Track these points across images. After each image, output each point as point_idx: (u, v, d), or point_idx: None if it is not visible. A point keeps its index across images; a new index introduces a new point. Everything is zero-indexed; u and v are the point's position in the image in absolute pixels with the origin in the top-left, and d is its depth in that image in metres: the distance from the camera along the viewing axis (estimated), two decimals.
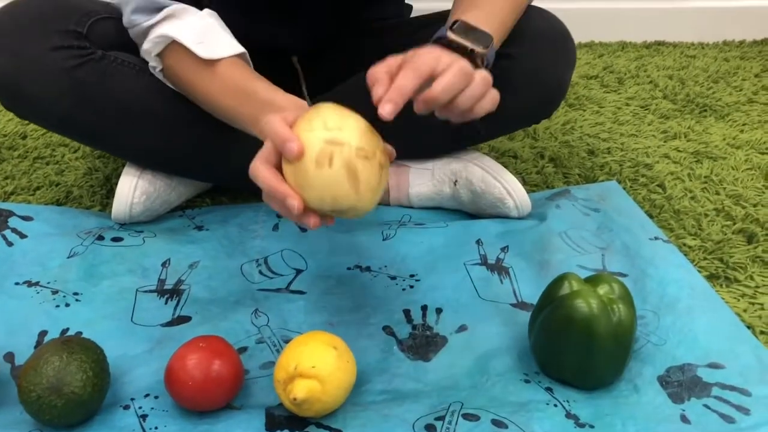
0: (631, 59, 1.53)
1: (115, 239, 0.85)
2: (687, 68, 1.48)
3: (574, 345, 0.65)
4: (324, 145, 0.56)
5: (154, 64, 0.79)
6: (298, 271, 0.83)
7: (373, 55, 0.96)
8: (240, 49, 0.77)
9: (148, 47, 0.77)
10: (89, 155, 1.08)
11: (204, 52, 0.75)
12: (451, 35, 0.69)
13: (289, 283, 0.80)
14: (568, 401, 0.65)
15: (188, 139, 0.85)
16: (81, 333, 0.72)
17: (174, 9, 0.76)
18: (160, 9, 0.76)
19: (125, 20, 0.78)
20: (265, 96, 0.72)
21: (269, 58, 0.85)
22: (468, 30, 0.70)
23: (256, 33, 0.86)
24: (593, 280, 0.67)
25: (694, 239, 0.92)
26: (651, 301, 0.77)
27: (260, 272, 0.82)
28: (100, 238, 0.85)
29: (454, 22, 0.70)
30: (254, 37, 0.83)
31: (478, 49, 0.69)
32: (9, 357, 0.69)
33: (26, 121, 1.16)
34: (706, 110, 1.29)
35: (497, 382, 0.68)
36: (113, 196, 0.96)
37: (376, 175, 0.59)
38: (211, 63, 0.75)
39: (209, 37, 0.76)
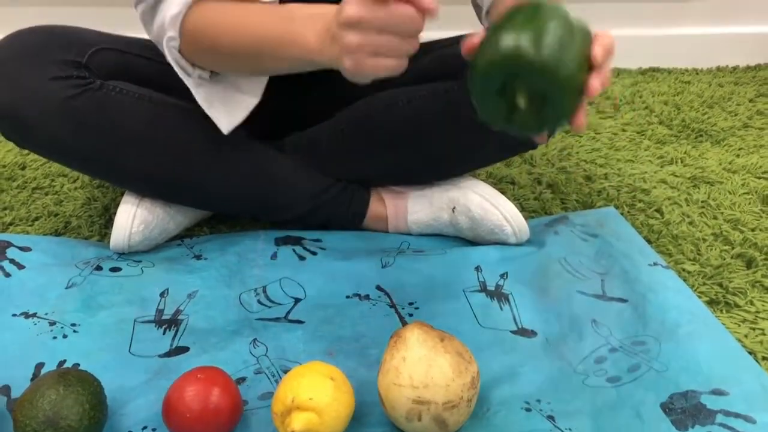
0: (627, 85, 1.55)
1: (114, 269, 0.85)
2: (682, 94, 1.49)
3: (521, 16, 0.57)
4: (412, 405, 0.61)
5: (173, 34, 0.72)
6: (297, 300, 0.82)
7: (370, 83, 0.97)
8: None
9: (177, 11, 0.71)
10: (88, 185, 1.08)
11: None
12: None
13: (288, 312, 0.80)
14: (570, 429, 0.65)
15: (186, 166, 0.85)
16: (78, 365, 0.71)
17: None
18: None
19: None
20: (305, 11, 0.66)
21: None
22: None
23: None
24: None
25: (693, 264, 0.92)
26: (652, 327, 0.76)
27: (259, 301, 0.82)
28: (99, 268, 0.85)
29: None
30: None
31: None
32: (5, 390, 0.68)
33: (26, 152, 1.17)
34: (701, 135, 1.30)
35: (498, 411, 0.67)
36: (112, 226, 0.95)
37: (465, 413, 0.63)
38: (246, 3, 0.70)
39: None
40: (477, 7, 0.88)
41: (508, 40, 0.56)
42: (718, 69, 1.66)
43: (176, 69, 0.76)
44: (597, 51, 0.58)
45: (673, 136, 1.30)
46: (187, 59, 0.75)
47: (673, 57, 1.66)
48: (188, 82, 0.77)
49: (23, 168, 1.13)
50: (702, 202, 1.06)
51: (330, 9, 0.64)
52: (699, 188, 1.11)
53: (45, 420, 0.58)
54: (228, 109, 0.80)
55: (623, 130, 1.33)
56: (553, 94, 0.57)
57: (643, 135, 1.31)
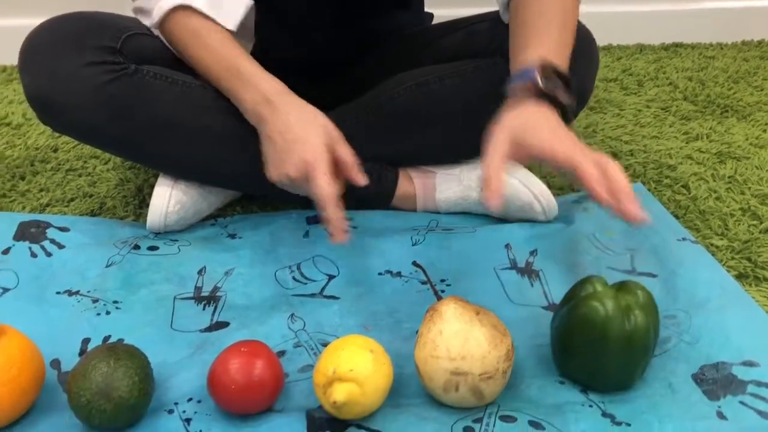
0: (650, 61, 1.54)
1: (151, 248, 0.87)
2: (706, 69, 1.48)
3: (585, 346, 0.65)
4: (449, 376, 0.63)
5: (155, 22, 0.82)
6: (331, 277, 0.84)
7: (398, 62, 0.97)
8: (249, 2, 0.81)
9: (157, 18, 0.80)
10: (120, 166, 1.10)
11: (220, 17, 0.79)
12: (543, 83, 0.69)
13: (323, 289, 0.82)
14: (603, 402, 0.66)
15: (219, 149, 0.87)
16: (123, 340, 0.74)
17: None
18: None
19: None
20: (247, 72, 0.77)
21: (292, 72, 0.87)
22: (555, 77, 0.70)
23: (272, 48, 0.88)
24: (619, 286, 0.67)
25: (721, 239, 0.92)
26: (682, 301, 0.77)
27: (294, 278, 0.83)
28: (136, 247, 0.87)
29: (540, 65, 0.70)
30: (271, 53, 0.84)
31: (567, 101, 0.71)
32: (55, 363, 0.71)
33: (57, 134, 1.19)
34: (727, 111, 1.29)
35: (531, 384, 0.69)
36: (146, 207, 0.98)
37: (500, 383, 0.65)
38: (208, 31, 0.79)
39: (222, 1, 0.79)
40: None
41: (579, 375, 0.68)
42: (743, 43, 1.64)
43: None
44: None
45: (698, 111, 1.30)
46: None
47: (697, 32, 1.65)
48: None
49: (56, 150, 1.16)
50: (729, 177, 1.07)
51: (266, 86, 0.77)
52: (725, 164, 1.11)
53: (98, 391, 0.60)
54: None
55: (647, 107, 1.32)
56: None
57: (667, 111, 1.30)
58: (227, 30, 0.80)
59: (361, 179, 0.75)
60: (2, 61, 1.49)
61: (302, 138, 0.74)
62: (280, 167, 0.75)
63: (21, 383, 0.62)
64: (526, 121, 0.68)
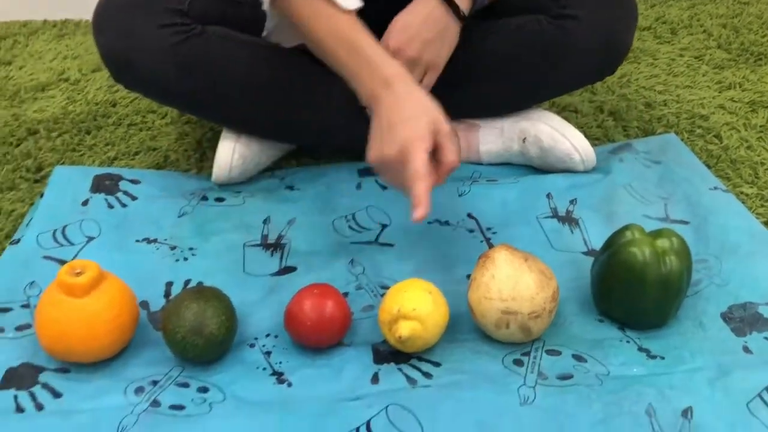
0: (684, 8, 1.55)
1: (218, 200, 0.94)
2: (740, 15, 1.49)
3: (624, 288, 0.72)
4: (500, 315, 0.70)
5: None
6: (384, 226, 0.91)
7: None
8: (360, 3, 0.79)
9: None
10: (177, 121, 1.17)
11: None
12: None
13: (378, 236, 0.89)
14: (639, 338, 0.73)
15: (286, 105, 0.92)
16: (201, 283, 0.82)
17: None
18: None
19: None
20: (369, 55, 0.76)
21: None
22: None
23: None
24: (655, 233, 0.73)
25: (751, 187, 0.97)
26: (713, 246, 0.83)
27: (350, 227, 0.90)
28: (204, 198, 0.95)
29: None
30: None
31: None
32: (144, 305, 0.79)
33: (114, 89, 1.25)
34: (761, 58, 1.32)
35: (573, 322, 0.76)
36: (206, 160, 1.05)
37: (546, 321, 0.72)
38: (328, 8, 0.77)
39: None
40: None
41: (618, 314, 0.75)
42: None
43: None
44: None
45: (731, 60, 1.32)
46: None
47: None
48: None
49: (114, 105, 1.22)
50: (760, 126, 1.10)
51: (391, 70, 0.76)
52: (757, 113, 1.14)
53: (191, 329, 0.68)
54: None
55: (681, 56, 1.35)
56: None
57: (701, 60, 1.33)
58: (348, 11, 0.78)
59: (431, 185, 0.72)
60: (53, 16, 1.54)
61: (407, 119, 0.73)
62: (379, 147, 0.74)
63: (121, 323, 0.71)
64: (399, 16, 0.83)
